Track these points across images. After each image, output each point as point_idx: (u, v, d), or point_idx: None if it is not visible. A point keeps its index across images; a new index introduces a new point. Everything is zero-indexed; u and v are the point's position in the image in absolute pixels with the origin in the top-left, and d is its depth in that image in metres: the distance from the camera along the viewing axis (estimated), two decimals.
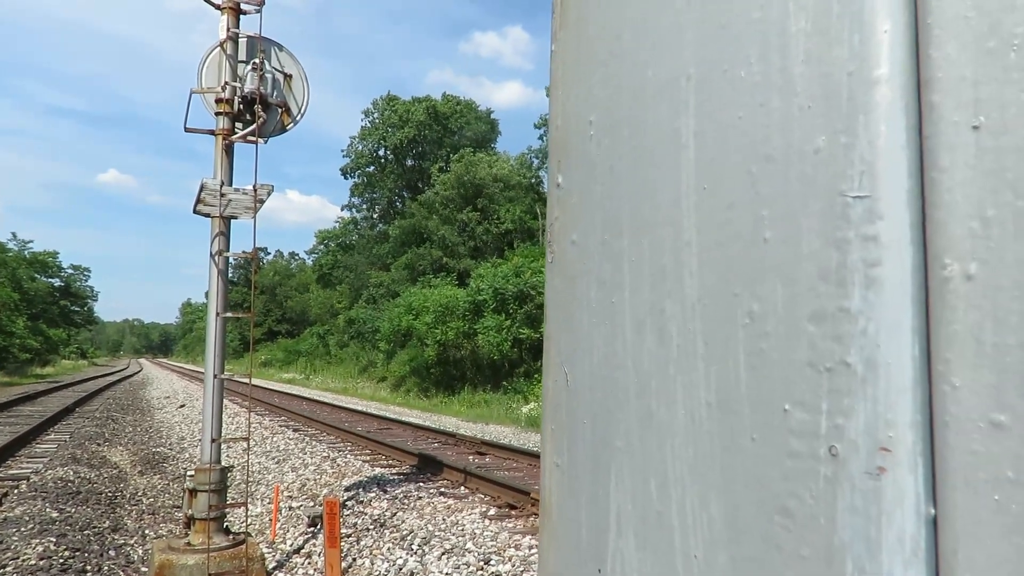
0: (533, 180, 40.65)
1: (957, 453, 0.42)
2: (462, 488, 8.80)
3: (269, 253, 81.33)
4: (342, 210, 57.20)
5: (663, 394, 0.57)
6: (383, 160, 52.52)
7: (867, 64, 0.47)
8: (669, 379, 0.56)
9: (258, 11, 5.93)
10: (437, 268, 38.46)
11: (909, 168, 0.46)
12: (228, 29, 5.89)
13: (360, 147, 53.30)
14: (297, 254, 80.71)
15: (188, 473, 5.74)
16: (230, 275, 6.19)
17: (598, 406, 0.62)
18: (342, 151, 54.78)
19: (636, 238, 0.60)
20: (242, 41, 6.02)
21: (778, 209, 0.50)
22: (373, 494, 8.27)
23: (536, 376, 23.30)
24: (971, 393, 0.42)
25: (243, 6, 5.96)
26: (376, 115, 52.71)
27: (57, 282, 74.36)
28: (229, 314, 5.87)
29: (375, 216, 53.84)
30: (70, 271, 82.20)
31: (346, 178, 54.75)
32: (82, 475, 9.64)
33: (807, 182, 0.49)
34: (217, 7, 5.92)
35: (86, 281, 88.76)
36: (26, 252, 63.29)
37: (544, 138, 39.96)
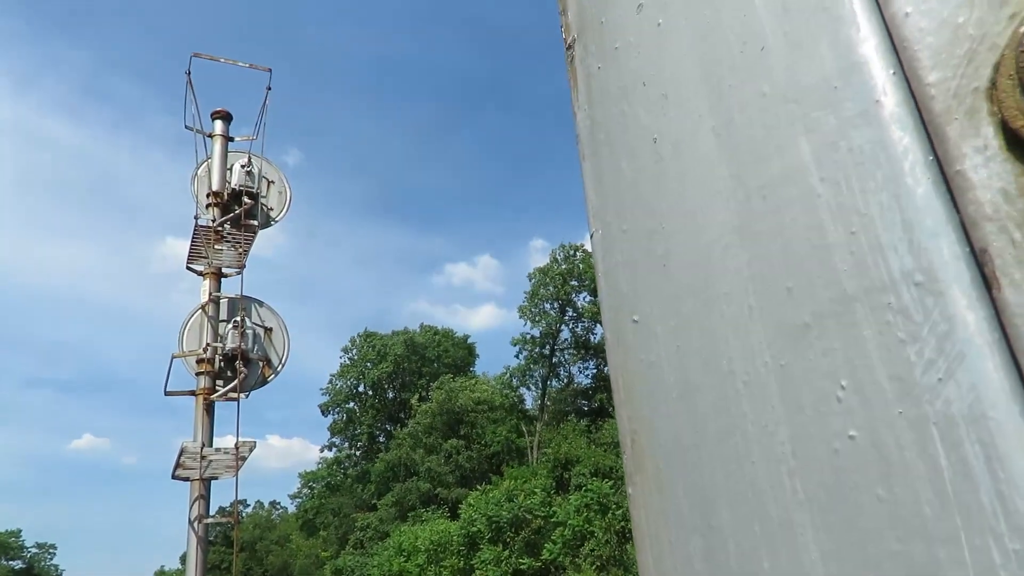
0: (515, 399, 40.67)
1: None
2: None
3: (249, 505, 77.42)
4: (322, 451, 55.76)
5: None
6: (363, 396, 52.39)
7: None
8: None
9: (239, 274, 6.27)
10: (426, 501, 36.82)
11: None
12: (210, 293, 6.16)
13: (339, 384, 53.39)
14: (278, 503, 76.82)
15: None
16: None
17: None
18: (321, 389, 54.70)
19: None
20: (223, 301, 6.28)
21: None
22: None
23: None
24: None
25: (224, 271, 6.30)
26: (354, 351, 53.51)
27: (19, 564, 69.14)
28: None
29: (357, 454, 52.46)
30: (34, 550, 76.90)
31: (325, 415, 54.12)
32: None
33: None
34: (200, 274, 6.25)
35: (51, 560, 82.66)
36: None
37: (520, 356, 40.83)
